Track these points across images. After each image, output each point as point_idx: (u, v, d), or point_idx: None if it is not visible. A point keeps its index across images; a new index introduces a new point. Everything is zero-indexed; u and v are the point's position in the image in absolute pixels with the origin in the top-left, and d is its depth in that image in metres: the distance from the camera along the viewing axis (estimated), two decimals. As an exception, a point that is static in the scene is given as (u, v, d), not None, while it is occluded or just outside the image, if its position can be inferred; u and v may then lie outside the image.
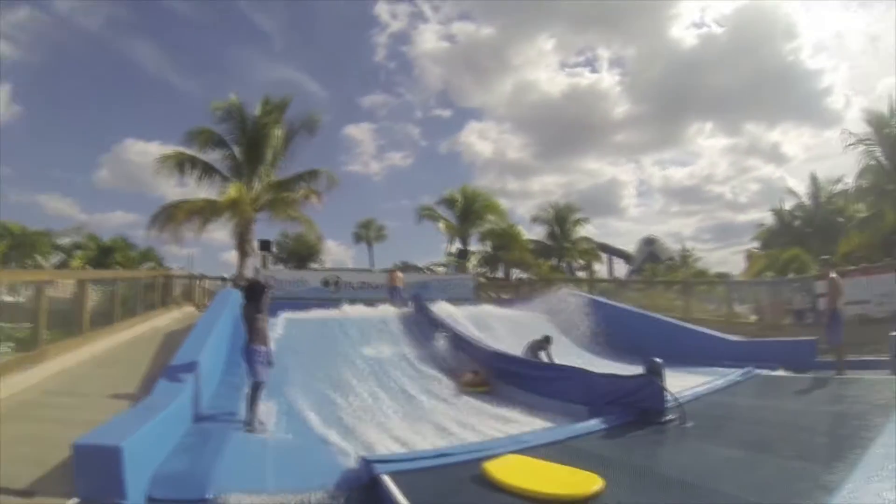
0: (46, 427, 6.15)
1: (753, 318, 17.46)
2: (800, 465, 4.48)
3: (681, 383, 7.61)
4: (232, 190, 22.93)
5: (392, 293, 17.97)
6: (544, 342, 11.06)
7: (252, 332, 7.04)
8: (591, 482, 4.02)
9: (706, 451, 5.16)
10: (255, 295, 7.33)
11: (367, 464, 4.70)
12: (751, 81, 63.52)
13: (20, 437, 5.77)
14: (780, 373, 9.55)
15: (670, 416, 6.19)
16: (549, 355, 10.89)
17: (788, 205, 33.68)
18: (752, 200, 68.94)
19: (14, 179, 63.71)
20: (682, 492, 3.99)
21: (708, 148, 76.23)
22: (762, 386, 8.69)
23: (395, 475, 4.41)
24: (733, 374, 8.99)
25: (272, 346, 7.37)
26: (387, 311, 14.75)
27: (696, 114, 76.74)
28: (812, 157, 67.80)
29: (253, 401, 6.67)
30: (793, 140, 71.49)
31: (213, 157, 24.96)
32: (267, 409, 6.93)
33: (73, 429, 4.74)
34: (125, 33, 64.25)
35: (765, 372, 9.46)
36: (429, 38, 76.95)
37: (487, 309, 16.35)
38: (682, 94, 68.76)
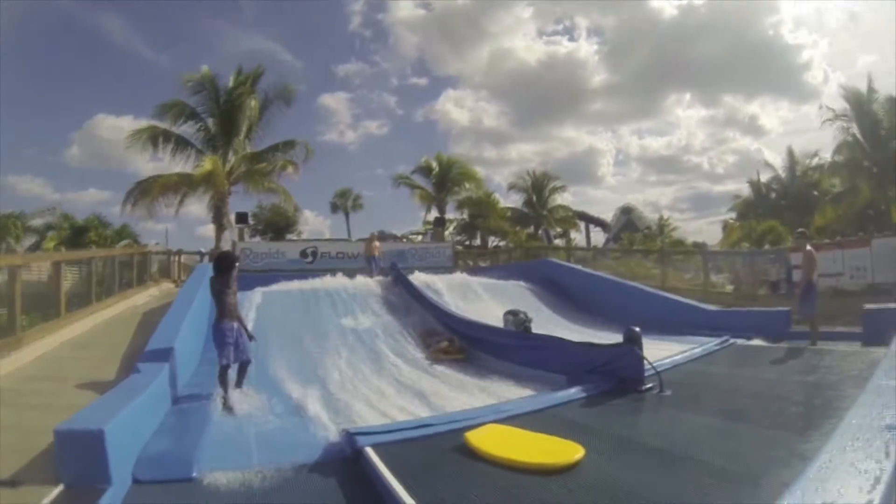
0: (27, 414, 6.05)
1: (730, 287, 17.72)
2: (775, 434, 4.55)
3: (659, 352, 7.70)
4: (207, 163, 22.79)
5: (370, 262, 17.88)
6: (527, 321, 10.84)
7: (221, 308, 6.71)
8: (572, 451, 4.07)
9: (684, 420, 5.23)
10: (224, 267, 6.90)
11: (349, 436, 4.71)
12: (730, 54, 63.90)
13: (1, 425, 5.71)
14: (756, 342, 9.73)
15: (649, 385, 6.26)
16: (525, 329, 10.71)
17: (765, 177, 34.23)
18: (729, 172, 69.63)
19: None
20: (661, 459, 4.05)
21: (686, 118, 76.61)
22: (738, 355, 8.83)
23: (377, 447, 4.42)
24: (710, 343, 9.14)
25: (250, 320, 7.22)
26: (365, 281, 14.66)
27: (674, 84, 76.71)
28: (789, 131, 68.75)
29: (221, 382, 6.46)
30: (771, 113, 72.21)
31: (186, 130, 24.96)
32: (242, 394, 6.60)
33: (55, 414, 4.67)
34: (92, 6, 62.29)
35: (741, 341, 9.63)
36: (404, 6, 76.18)
37: (467, 277, 16.28)
38: (661, 64, 68.79)
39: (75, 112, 71.60)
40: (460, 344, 9.72)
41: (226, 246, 23.03)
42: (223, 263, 7.00)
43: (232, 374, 6.56)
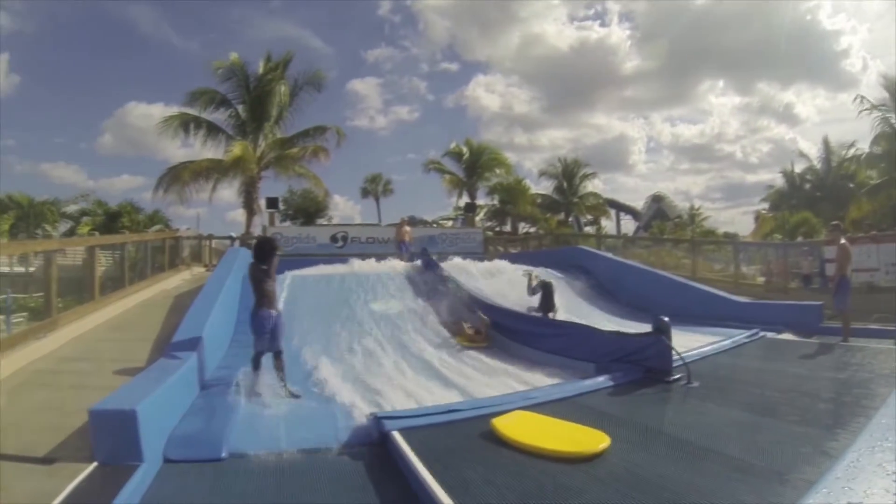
0: (63, 394, 6.26)
1: (761, 280, 17.46)
2: (803, 430, 4.50)
3: (687, 342, 7.72)
4: (236, 148, 23.09)
5: (400, 247, 17.93)
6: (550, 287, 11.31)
7: (259, 295, 6.55)
8: (598, 439, 4.11)
9: (711, 412, 5.20)
10: (264, 254, 6.64)
11: (377, 421, 4.79)
12: (765, 40, 62.12)
13: (38, 405, 5.89)
14: (786, 336, 9.56)
15: (676, 376, 6.25)
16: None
17: (799, 167, 33.49)
18: (762, 161, 68.07)
19: (17, 150, 63.58)
20: (687, 451, 4.05)
21: (719, 106, 75.04)
22: (768, 348, 8.72)
23: (404, 431, 4.51)
24: (740, 335, 9.04)
25: (281, 301, 7.23)
26: (395, 265, 14.72)
27: (707, 71, 75.06)
28: (826, 120, 67.18)
29: (254, 367, 6.48)
30: (806, 102, 70.40)
31: (217, 116, 25.19)
32: (281, 388, 6.38)
33: (89, 394, 4.84)
34: None
35: (771, 334, 9.50)
36: (433, -9, 75.39)
37: (500, 264, 16.21)
38: (694, 50, 67.57)
39: (107, 100, 72.75)
40: (486, 331, 9.74)
41: (256, 230, 23.31)
42: (264, 250, 6.71)
43: (265, 360, 6.61)
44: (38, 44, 62.45)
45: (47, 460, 4.34)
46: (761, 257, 19.16)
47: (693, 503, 3.16)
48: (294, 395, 6.17)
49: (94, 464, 4.06)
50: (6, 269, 11.40)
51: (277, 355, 6.58)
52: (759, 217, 34.79)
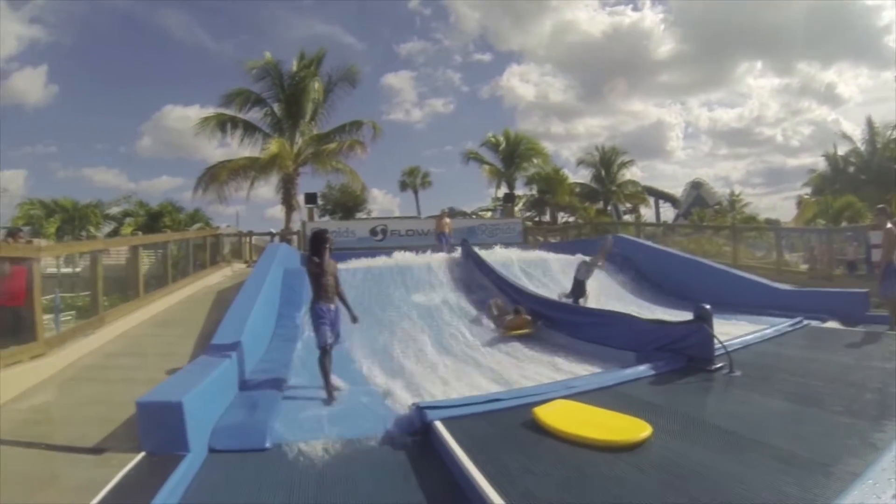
0: (110, 388, 6.51)
1: (804, 267, 17.10)
2: (848, 421, 4.41)
3: (729, 331, 7.59)
4: (273, 145, 23.51)
5: (440, 239, 18.03)
6: (592, 262, 11.71)
7: (315, 289, 6.42)
8: (639, 428, 4.12)
9: (754, 402, 5.15)
10: (315, 246, 6.41)
11: (419, 410, 4.85)
12: (804, 17, 60.64)
13: (87, 398, 6.15)
14: (831, 325, 9.35)
15: (718, 365, 6.19)
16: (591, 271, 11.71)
17: (842, 150, 32.60)
18: (804, 144, 66.29)
19: (59, 157, 65.88)
20: (729, 441, 4.03)
21: (758, 88, 73.28)
22: (812, 337, 8.52)
23: (447, 421, 4.58)
24: (783, 323, 8.86)
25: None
26: (435, 257, 14.81)
27: (744, 52, 73.32)
28: (869, 100, 64.95)
29: (322, 367, 6.13)
30: (849, 81, 68.39)
31: (252, 115, 25.62)
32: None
33: (136, 387, 5.01)
34: (152, 5, 64.16)
35: (815, 323, 9.30)
36: (463, -18, 75.04)
37: (541, 254, 16.36)
38: (730, 31, 65.98)
39: (144, 105, 74.61)
40: (528, 319, 9.75)
41: (295, 226, 23.61)
42: (315, 242, 6.42)
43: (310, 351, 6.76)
44: (74, 54, 64.41)
45: (97, 450, 4.52)
46: (804, 244, 18.71)
47: (736, 493, 3.15)
48: (336, 388, 6.17)
49: (142, 454, 4.20)
50: (54, 270, 11.74)
51: (323, 352, 6.41)
52: (801, 202, 34.04)
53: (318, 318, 6.26)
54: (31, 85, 71.23)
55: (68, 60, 64.91)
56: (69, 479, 3.94)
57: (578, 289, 11.23)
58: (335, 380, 6.23)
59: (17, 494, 3.56)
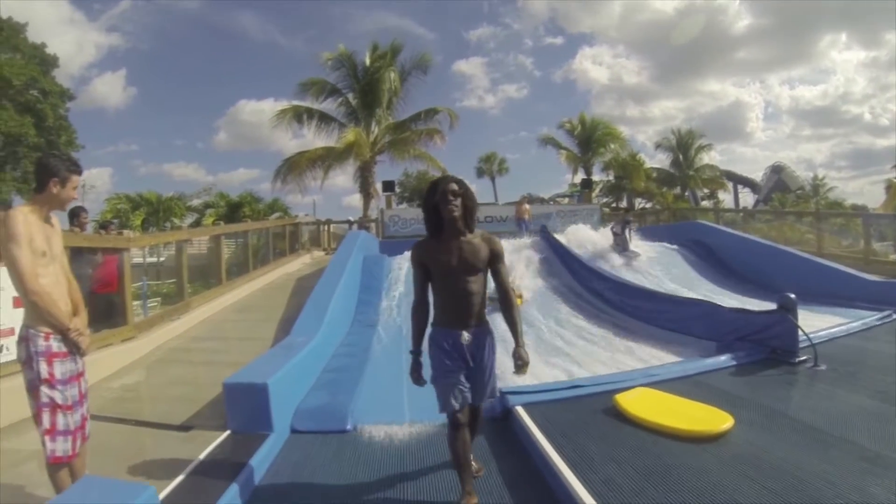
0: (196, 369, 6.96)
1: (894, 256, 16.36)
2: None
3: (813, 323, 7.43)
4: (350, 134, 23.95)
5: (520, 225, 18.18)
6: (628, 219, 13.39)
7: (430, 298, 4.99)
8: (721, 419, 4.14)
9: (839, 398, 5.01)
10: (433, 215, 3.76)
11: (501, 396, 4.94)
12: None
13: (174, 379, 6.59)
14: (923, 318, 8.93)
15: (803, 358, 6.06)
16: (629, 231, 13.73)
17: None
18: (894, 123, 62.59)
19: (141, 154, 69.47)
20: (812, 437, 3.97)
21: (842, 63, 69.61)
22: (903, 332, 8.17)
23: (528, 406, 4.70)
24: (870, 317, 8.51)
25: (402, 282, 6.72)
26: (515, 243, 14.91)
27: (827, 24, 69.67)
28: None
29: (452, 452, 3.36)
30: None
31: (327, 106, 26.16)
32: None
33: (220, 370, 5.36)
34: (223, 5, 66.49)
35: (905, 317, 8.90)
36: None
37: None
38: (811, 1, 62.55)
39: (219, 101, 77.55)
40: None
41: (373, 214, 24.07)
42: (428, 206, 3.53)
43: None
44: (151, 59, 67.53)
45: (184, 428, 4.84)
46: (894, 231, 17.89)
47: (819, 491, 3.13)
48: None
49: (227, 432, 4.47)
50: (140, 260, 12.46)
51: None
52: (891, 186, 32.32)
53: (433, 359, 3.36)
54: (112, 89, 75.04)
55: (145, 65, 68.39)
56: (158, 455, 4.21)
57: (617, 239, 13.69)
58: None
59: (109, 467, 3.79)
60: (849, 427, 4.14)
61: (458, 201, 3.18)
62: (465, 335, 3.28)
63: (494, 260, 3.34)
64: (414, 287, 3.44)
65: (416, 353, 3.40)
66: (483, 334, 3.38)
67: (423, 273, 3.34)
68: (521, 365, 3.29)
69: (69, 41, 61.02)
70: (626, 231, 14.30)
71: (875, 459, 3.52)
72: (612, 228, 14.67)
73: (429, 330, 3.40)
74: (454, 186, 3.20)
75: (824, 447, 3.78)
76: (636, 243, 14.76)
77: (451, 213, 3.16)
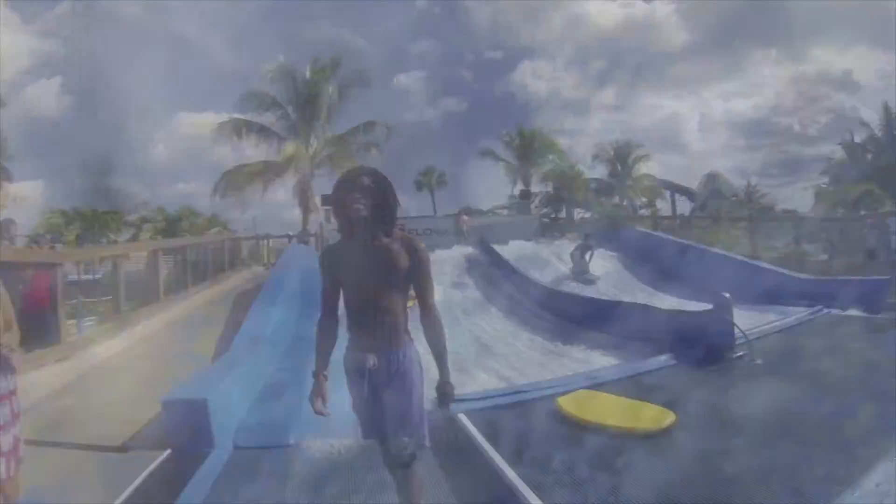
0: (134, 388, 6.59)
1: (823, 256, 16.98)
2: (873, 407, 4.34)
3: (749, 321, 7.54)
4: (289, 147, 23.55)
5: (459, 237, 18.15)
6: (589, 244, 13.41)
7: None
8: (662, 416, 4.16)
9: (776, 390, 5.08)
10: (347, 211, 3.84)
11: (442, 403, 4.87)
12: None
13: (111, 399, 6.22)
14: (852, 312, 9.19)
15: (739, 353, 6.19)
16: (590, 255, 13.82)
17: (860, 137, 32.16)
18: (821, 133, 65.21)
19: (76, 167, 66.31)
20: (752, 428, 4.03)
21: (772, 77, 72.30)
22: (832, 326, 8.46)
23: (470, 413, 4.62)
24: (803, 312, 8.84)
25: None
26: (453, 254, 15.10)
27: (757, 40, 72.23)
28: (889, 85, 63.86)
29: None
30: (865, 67, 67.33)
31: (267, 119, 25.56)
32: None
33: (159, 387, 5.09)
34: (161, 13, 65.18)
35: (835, 311, 9.22)
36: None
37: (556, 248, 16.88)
38: (743, 19, 65.08)
39: (159, 113, 75.19)
40: None
41: (313, 228, 23.74)
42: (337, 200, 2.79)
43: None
44: (85, 67, 65.18)
45: (122, 449, 4.61)
46: (823, 233, 18.60)
47: (759, 479, 3.18)
48: None
49: (168, 451, 4.28)
50: (75, 277, 12.01)
51: None
52: (819, 192, 33.67)
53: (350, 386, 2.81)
54: (45, 96, 72.09)
55: (79, 72, 65.85)
56: (96, 478, 4.02)
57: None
58: None
59: (46, 492, 3.58)
60: (785, 416, 4.22)
61: (367, 198, 2.46)
62: (371, 360, 2.58)
63: (416, 269, 2.57)
64: (321, 298, 2.71)
65: (315, 373, 2.76)
66: (397, 362, 2.63)
67: (332, 282, 2.66)
68: (446, 402, 2.71)
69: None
70: (588, 256, 14.29)
71: (812, 445, 3.63)
72: (571, 253, 14.63)
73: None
74: (364, 180, 2.51)
75: (763, 437, 3.83)
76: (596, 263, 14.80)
77: (356, 213, 2.44)
